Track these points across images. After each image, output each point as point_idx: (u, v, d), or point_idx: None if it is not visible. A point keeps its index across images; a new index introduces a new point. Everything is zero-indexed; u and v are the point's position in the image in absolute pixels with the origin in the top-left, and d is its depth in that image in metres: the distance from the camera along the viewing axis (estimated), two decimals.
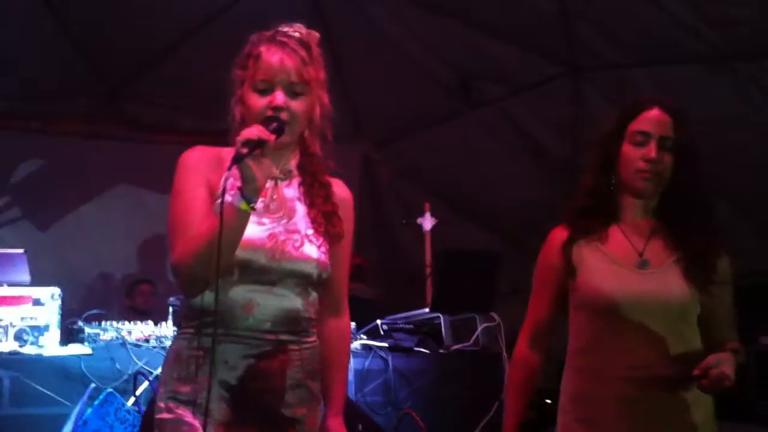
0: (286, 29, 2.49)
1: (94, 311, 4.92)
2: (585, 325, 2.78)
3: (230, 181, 2.36)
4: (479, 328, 5.10)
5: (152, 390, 4.33)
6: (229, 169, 2.22)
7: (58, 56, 7.48)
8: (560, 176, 7.28)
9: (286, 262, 2.40)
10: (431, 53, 7.66)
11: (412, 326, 5.20)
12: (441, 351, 5.07)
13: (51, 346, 4.52)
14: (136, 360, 4.46)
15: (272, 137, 2.28)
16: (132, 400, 4.40)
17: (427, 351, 5.01)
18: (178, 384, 2.39)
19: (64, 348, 4.53)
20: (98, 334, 4.58)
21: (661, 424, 2.67)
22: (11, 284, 4.71)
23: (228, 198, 2.30)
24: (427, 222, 6.51)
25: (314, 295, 2.49)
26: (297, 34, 2.48)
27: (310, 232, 2.46)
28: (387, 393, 4.79)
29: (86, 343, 4.54)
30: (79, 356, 4.41)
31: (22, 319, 4.53)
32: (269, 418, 2.39)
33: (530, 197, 7.55)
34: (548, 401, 5.05)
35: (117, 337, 4.60)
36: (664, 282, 2.71)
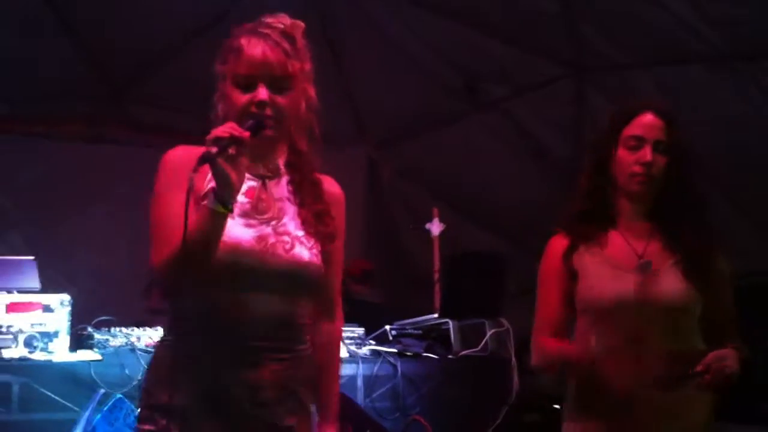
0: (269, 20, 2.40)
1: (104, 317, 4.92)
2: (588, 328, 2.81)
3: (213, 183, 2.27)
4: (488, 334, 5.10)
5: None
6: (195, 169, 2.12)
7: (60, 59, 7.47)
8: (564, 177, 7.28)
9: (277, 265, 2.29)
10: (434, 54, 7.66)
11: (420, 332, 5.21)
12: (450, 356, 5.07)
13: (60, 352, 4.53)
14: (145, 366, 4.44)
15: (246, 134, 2.17)
16: None
17: (435, 356, 5.01)
18: (162, 393, 2.29)
19: (74, 354, 4.54)
20: (108, 340, 4.59)
21: (663, 425, 2.71)
22: (21, 291, 4.72)
23: (207, 201, 2.22)
24: (436, 227, 6.51)
25: (307, 299, 2.39)
26: (280, 26, 2.38)
27: (301, 233, 2.36)
28: (395, 398, 4.79)
29: (96, 349, 4.55)
30: (88, 362, 4.41)
31: (32, 325, 4.53)
32: (260, 426, 2.30)
33: (534, 198, 7.55)
34: (556, 406, 5.07)
35: (126, 343, 4.60)
36: (664, 284, 2.75)
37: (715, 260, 2.81)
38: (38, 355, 4.48)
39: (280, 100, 2.32)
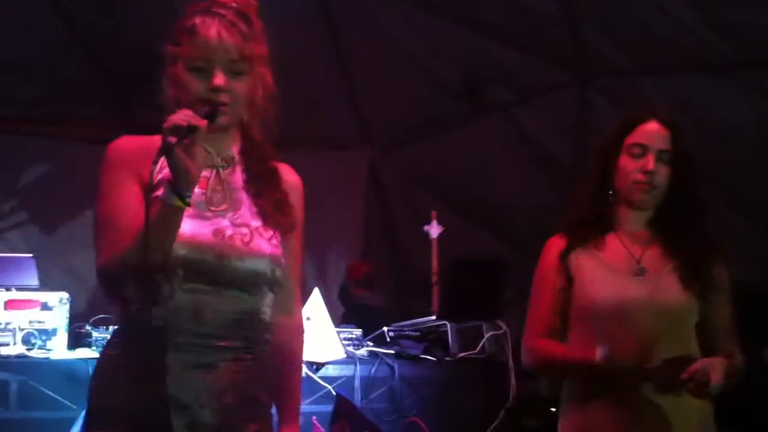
0: None
1: (102, 316, 4.93)
2: (583, 332, 2.81)
3: (164, 173, 2.15)
4: (486, 336, 5.10)
5: None
6: (155, 161, 2.01)
7: (66, 61, 7.50)
8: (568, 183, 7.27)
9: (236, 259, 2.16)
10: (439, 59, 7.67)
11: (418, 333, 5.20)
12: (447, 358, 5.06)
13: (59, 349, 4.54)
14: None
15: (204, 123, 2.04)
16: None
17: (433, 358, 5.01)
18: (113, 396, 2.14)
19: (72, 352, 4.54)
20: (106, 339, 4.57)
21: (653, 429, 2.70)
22: (20, 288, 4.74)
23: (159, 193, 2.10)
24: (434, 230, 6.51)
25: (270, 294, 2.26)
26: (234, 4, 2.22)
27: (259, 224, 2.24)
28: (393, 400, 4.78)
29: (94, 347, 4.55)
30: (86, 360, 4.39)
31: (30, 322, 4.54)
32: None
33: (538, 203, 7.54)
34: (553, 409, 5.06)
35: None
36: (661, 289, 2.75)
37: (714, 267, 2.81)
38: (36, 353, 4.49)
39: (236, 85, 2.20)
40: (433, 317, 5.28)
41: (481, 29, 7.22)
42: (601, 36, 6.80)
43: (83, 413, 4.19)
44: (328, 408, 4.59)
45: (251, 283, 2.20)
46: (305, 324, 4.61)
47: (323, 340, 4.70)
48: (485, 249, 7.93)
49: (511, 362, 4.95)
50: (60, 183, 7.65)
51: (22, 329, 4.51)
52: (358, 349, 4.90)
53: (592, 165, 2.92)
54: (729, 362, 2.70)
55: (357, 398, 4.68)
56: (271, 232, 2.24)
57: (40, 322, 4.55)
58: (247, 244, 2.18)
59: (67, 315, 4.62)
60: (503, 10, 6.94)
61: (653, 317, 2.71)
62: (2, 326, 4.50)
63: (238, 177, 2.29)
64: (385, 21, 7.54)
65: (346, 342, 4.88)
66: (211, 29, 2.17)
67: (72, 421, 4.24)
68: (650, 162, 2.76)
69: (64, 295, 4.64)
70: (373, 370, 4.77)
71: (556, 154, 7.73)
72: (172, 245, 2.07)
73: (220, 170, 2.27)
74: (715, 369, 2.61)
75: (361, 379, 4.72)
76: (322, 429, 4.34)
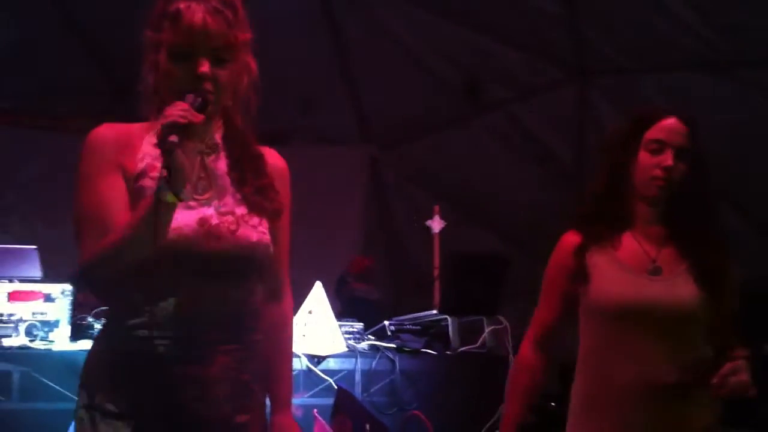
0: None
1: (104, 307, 4.93)
2: (596, 330, 2.80)
3: (147, 161, 2.15)
4: (486, 331, 5.11)
5: None
6: (165, 167, 1.93)
7: (67, 53, 7.51)
8: (566, 180, 7.31)
9: (222, 248, 2.11)
10: (439, 56, 7.68)
11: (419, 328, 5.21)
12: (448, 353, 5.07)
13: (61, 341, 4.55)
14: None
15: (200, 117, 2.01)
16: None
17: (433, 352, 5.01)
18: (103, 393, 2.10)
19: (74, 343, 4.55)
20: None
21: (667, 430, 2.69)
22: (23, 280, 4.74)
23: (147, 185, 2.09)
24: (436, 224, 6.52)
25: (258, 282, 2.21)
26: None
27: (244, 211, 2.18)
28: (393, 394, 4.79)
29: None
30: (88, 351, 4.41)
31: (33, 314, 4.55)
32: (208, 429, 2.11)
33: (536, 200, 7.57)
34: (553, 404, 5.08)
35: None
36: (677, 289, 2.73)
37: (724, 268, 2.81)
38: (39, 344, 4.49)
39: (220, 72, 2.12)
40: (434, 312, 5.28)
41: (481, 28, 7.24)
42: (601, 35, 6.83)
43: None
44: (329, 401, 4.60)
45: (239, 271, 2.15)
46: (307, 317, 4.67)
47: (325, 333, 4.71)
48: (484, 246, 7.95)
49: (511, 357, 4.95)
50: (62, 176, 7.63)
51: (25, 320, 4.52)
52: (359, 342, 4.91)
53: (608, 159, 2.89)
54: (748, 363, 2.69)
55: (358, 391, 4.69)
56: (257, 219, 2.19)
57: (42, 314, 4.56)
58: (233, 232, 2.13)
59: (70, 306, 4.62)
60: (503, 8, 6.95)
61: (668, 317, 2.70)
62: (5, 317, 4.51)
63: (222, 163, 2.23)
64: (385, 19, 7.55)
65: (348, 336, 4.89)
66: (196, 15, 2.09)
67: (74, 413, 4.24)
68: (669, 158, 2.73)
69: (67, 286, 4.64)
70: (374, 364, 4.78)
71: (556, 152, 7.75)
72: (163, 240, 2.00)
73: (205, 157, 2.20)
74: (743, 371, 2.58)
75: (362, 372, 4.73)
76: (323, 422, 4.34)
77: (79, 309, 5.10)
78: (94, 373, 2.15)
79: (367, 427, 4.46)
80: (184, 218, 2.07)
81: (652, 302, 2.70)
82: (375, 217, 8.79)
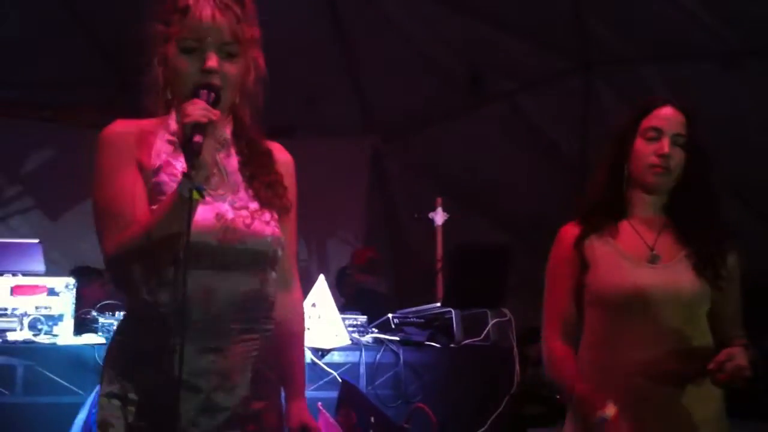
0: None
1: (108, 301, 4.93)
2: (597, 319, 2.80)
3: (163, 157, 2.20)
4: (490, 323, 5.10)
5: None
6: (188, 165, 1.98)
7: (71, 46, 7.51)
8: (571, 171, 7.30)
9: (239, 242, 2.16)
10: (443, 47, 7.68)
11: (423, 320, 5.20)
12: (452, 345, 5.05)
13: (65, 335, 4.54)
14: None
15: (217, 114, 2.05)
16: None
17: (437, 345, 5.00)
18: (125, 381, 2.15)
19: (78, 337, 4.54)
20: (112, 324, 4.57)
21: (671, 419, 2.68)
22: (26, 274, 4.73)
23: (164, 180, 2.15)
24: (439, 216, 6.52)
25: (272, 274, 2.26)
26: None
27: (256, 206, 2.23)
28: (397, 386, 4.78)
29: (100, 333, 4.54)
30: (92, 346, 4.39)
31: (37, 308, 4.54)
32: (227, 416, 2.16)
33: (540, 192, 7.57)
34: (558, 396, 5.06)
35: None
36: (675, 277, 2.73)
37: (726, 256, 2.80)
38: (43, 338, 4.48)
39: (228, 67, 2.17)
40: (438, 304, 5.28)
41: (485, 18, 7.23)
42: (606, 26, 6.82)
43: (89, 399, 4.24)
44: (334, 394, 4.58)
45: (254, 264, 2.20)
46: (311, 310, 4.66)
47: (329, 326, 4.70)
48: (487, 237, 7.95)
49: (515, 349, 4.95)
50: (65, 169, 7.64)
51: (29, 315, 4.51)
52: (363, 335, 4.90)
53: (607, 149, 2.90)
54: (747, 350, 2.69)
55: (362, 384, 4.68)
56: (268, 214, 2.24)
57: (46, 308, 4.55)
58: (248, 226, 2.18)
59: (73, 300, 4.61)
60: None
61: (667, 305, 2.70)
62: (9, 312, 4.50)
63: (233, 159, 2.28)
64: (389, 10, 7.54)
65: (352, 329, 4.88)
66: (205, 10, 2.14)
67: (78, 406, 4.24)
68: (665, 145, 2.74)
69: (71, 280, 4.64)
70: (378, 357, 4.77)
71: (559, 143, 7.75)
72: (186, 235, 2.02)
73: (216, 153, 2.21)
74: (741, 357, 2.57)
75: (367, 365, 4.71)
76: (328, 415, 4.33)
77: (84, 303, 5.11)
78: (117, 363, 2.19)
79: (372, 419, 4.46)
80: (201, 213, 2.10)
81: (651, 290, 2.70)
82: (378, 208, 8.80)
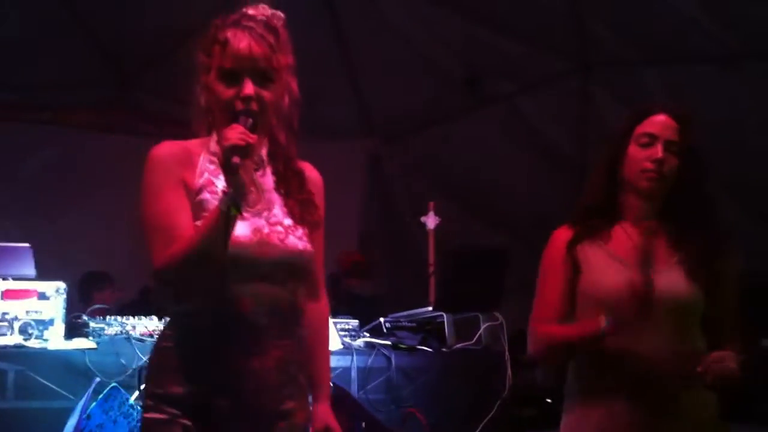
0: (251, 12, 2.43)
1: (99, 305, 4.92)
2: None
3: (206, 177, 2.40)
4: (482, 327, 5.10)
5: None
6: (227, 184, 2.20)
7: (70, 47, 7.53)
8: (569, 173, 7.29)
9: (274, 255, 2.36)
10: (441, 49, 7.68)
11: (415, 324, 5.20)
12: (444, 349, 5.05)
13: (56, 340, 4.51)
14: (140, 355, 4.42)
15: (255, 138, 2.26)
16: (136, 394, 4.38)
17: (429, 349, 5.00)
18: (169, 383, 2.35)
19: (69, 342, 4.51)
20: (103, 329, 4.56)
21: (666, 422, 2.69)
22: (16, 278, 4.71)
23: (207, 198, 2.35)
24: (431, 221, 6.50)
25: (303, 284, 2.47)
26: (263, 18, 2.42)
27: (290, 222, 2.43)
28: (389, 391, 4.77)
29: (91, 338, 4.52)
30: (83, 350, 4.38)
31: (27, 312, 4.51)
32: (261, 415, 2.36)
33: (539, 193, 7.57)
34: (549, 400, 5.07)
35: (122, 332, 4.58)
36: (668, 281, 2.74)
37: (720, 261, 2.80)
38: (33, 343, 4.45)
39: (264, 93, 2.36)
40: (430, 308, 5.28)
41: (484, 20, 7.22)
42: (604, 28, 6.81)
43: (80, 403, 4.24)
44: None
45: (287, 275, 2.39)
46: None
47: None
48: (486, 239, 7.95)
49: (507, 353, 4.95)
50: (58, 171, 7.67)
51: (19, 319, 4.49)
52: (355, 339, 4.89)
53: (602, 154, 2.93)
54: (739, 355, 2.69)
55: (354, 389, 4.67)
56: (301, 230, 2.43)
57: (37, 312, 4.53)
58: (282, 241, 2.38)
59: (64, 305, 4.60)
60: (507, 1, 6.93)
61: (658, 309, 2.69)
62: None
63: (269, 178, 2.48)
64: (387, 11, 7.54)
65: (343, 333, 4.87)
66: (243, 42, 2.35)
67: (69, 411, 4.24)
68: (659, 151, 2.77)
69: (61, 285, 4.61)
70: (369, 361, 4.76)
71: (557, 145, 7.74)
72: (227, 248, 2.23)
73: (253, 173, 2.43)
74: (730, 360, 2.61)
75: (358, 369, 4.70)
76: None
77: (77, 307, 5.10)
78: (162, 366, 2.39)
79: (363, 424, 4.46)
80: (240, 228, 2.30)
81: (642, 294, 2.69)
82: (376, 210, 8.79)
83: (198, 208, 2.36)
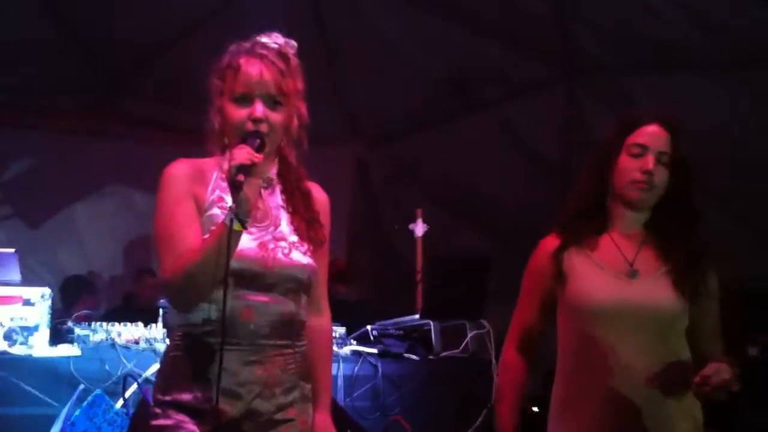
0: (264, 40, 2.54)
1: (84, 312, 4.90)
2: (574, 331, 2.81)
3: (216, 193, 2.53)
4: (469, 335, 5.10)
5: (141, 392, 4.32)
6: (233, 200, 2.30)
7: (54, 52, 7.47)
8: (555, 179, 7.30)
9: (278, 268, 2.47)
10: (428, 55, 7.67)
11: (402, 332, 5.20)
12: (430, 357, 5.06)
13: (40, 346, 4.48)
14: (125, 362, 4.42)
15: (260, 157, 2.37)
16: (120, 402, 4.37)
17: (416, 357, 5.00)
18: (177, 391, 2.46)
19: (54, 348, 4.49)
20: (88, 335, 4.54)
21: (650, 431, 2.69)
22: (2, 283, 4.68)
23: (216, 213, 2.47)
24: (419, 228, 6.51)
25: (305, 298, 2.57)
26: (275, 46, 2.54)
27: (296, 238, 2.54)
28: (376, 398, 4.78)
29: (75, 344, 4.49)
30: (68, 357, 4.37)
31: (12, 318, 4.48)
32: (265, 422, 2.46)
33: (525, 200, 7.57)
34: (535, 409, 5.07)
35: (107, 339, 4.56)
36: (653, 291, 2.75)
37: (706, 272, 2.81)
38: (18, 349, 4.43)
39: (274, 116, 2.48)
40: (417, 316, 5.27)
41: (470, 26, 7.22)
42: (590, 35, 6.82)
43: (64, 410, 4.21)
44: None
45: (291, 288, 2.51)
46: None
47: None
48: (472, 245, 7.95)
49: (494, 361, 4.95)
50: (44, 176, 7.62)
51: (4, 325, 4.46)
52: (342, 347, 4.88)
53: (592, 163, 2.94)
54: (732, 366, 2.69)
55: (340, 396, 4.67)
56: (305, 246, 2.55)
57: (22, 318, 4.51)
58: (287, 255, 2.50)
59: (49, 311, 4.58)
60: (493, 7, 6.94)
61: (644, 318, 2.72)
62: None
63: (277, 197, 2.60)
64: (373, 16, 7.53)
65: None
66: (254, 67, 2.48)
67: (53, 418, 4.22)
68: (649, 162, 2.77)
69: (46, 290, 4.59)
70: (356, 369, 4.77)
71: (544, 151, 7.75)
72: (231, 261, 2.35)
73: (262, 191, 2.54)
74: (726, 372, 2.60)
75: (344, 377, 4.71)
76: None
77: (60, 313, 5.07)
78: (170, 375, 2.50)
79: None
80: (246, 242, 2.44)
81: (628, 303, 2.73)
82: (362, 216, 8.78)
83: (207, 222, 2.47)
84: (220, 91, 2.55)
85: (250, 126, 2.46)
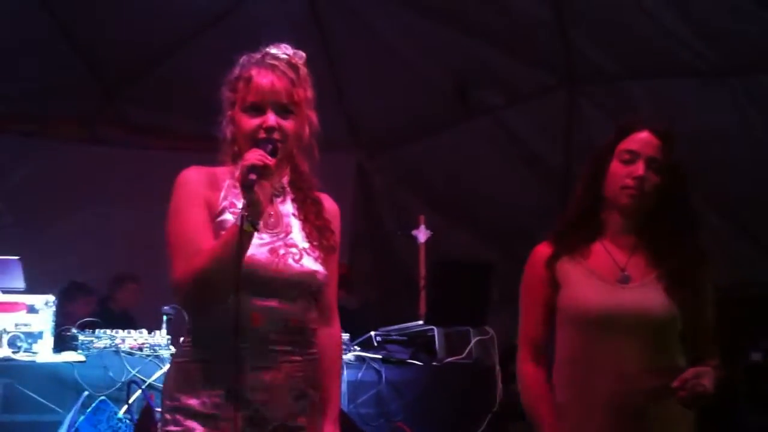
0: (274, 51, 2.57)
1: (88, 318, 4.90)
2: (568, 338, 2.82)
3: (228, 200, 2.54)
4: (473, 341, 5.10)
5: (145, 399, 4.32)
6: (244, 201, 2.31)
7: (55, 59, 7.48)
8: (555, 185, 7.32)
9: (288, 275, 2.48)
10: (428, 61, 7.68)
11: (405, 338, 5.20)
12: (434, 363, 5.06)
13: (44, 353, 4.50)
14: (129, 368, 4.43)
15: (273, 161, 2.38)
16: (124, 408, 4.38)
17: (420, 363, 5.00)
18: (185, 396, 2.46)
19: (58, 355, 4.50)
20: (92, 342, 4.55)
21: None
22: (6, 291, 4.70)
23: (227, 218, 2.48)
24: (422, 234, 6.50)
25: (314, 305, 2.59)
26: (285, 56, 2.56)
27: (307, 245, 2.56)
28: (379, 404, 4.77)
29: (80, 351, 4.51)
30: (72, 364, 4.38)
31: (16, 325, 4.51)
32: (274, 429, 2.46)
33: (525, 205, 7.58)
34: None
35: (110, 345, 4.57)
36: (645, 297, 2.76)
37: (699, 277, 2.82)
38: (22, 356, 4.44)
39: (286, 124, 2.50)
40: (420, 322, 5.27)
41: (470, 32, 7.24)
42: (590, 42, 6.84)
43: (68, 417, 4.21)
44: None
45: (300, 294, 2.52)
46: None
47: None
48: (472, 251, 7.95)
49: (497, 367, 4.95)
50: (45, 183, 7.61)
51: (8, 332, 4.47)
52: (346, 353, 4.87)
53: (585, 170, 2.94)
54: (716, 371, 2.70)
55: (344, 403, 4.64)
56: (316, 253, 2.56)
57: (26, 325, 4.52)
58: (297, 262, 2.51)
59: (53, 318, 4.58)
60: (493, 13, 6.96)
61: (638, 324, 2.73)
62: None
63: (289, 205, 2.62)
64: (374, 23, 7.54)
65: None
66: (266, 78, 2.51)
67: (57, 425, 4.22)
68: (640, 168, 2.78)
69: (50, 298, 4.60)
70: (360, 375, 4.76)
71: (544, 157, 7.76)
72: (242, 263, 2.35)
73: (274, 199, 2.57)
74: (706, 377, 2.62)
75: (348, 383, 4.68)
76: None
77: (64, 320, 5.07)
78: (178, 380, 2.51)
79: None
80: (257, 248, 2.45)
81: (621, 310, 2.74)
82: (363, 223, 8.79)
83: (219, 227, 2.49)
84: (231, 102, 2.57)
85: (262, 135, 2.48)
